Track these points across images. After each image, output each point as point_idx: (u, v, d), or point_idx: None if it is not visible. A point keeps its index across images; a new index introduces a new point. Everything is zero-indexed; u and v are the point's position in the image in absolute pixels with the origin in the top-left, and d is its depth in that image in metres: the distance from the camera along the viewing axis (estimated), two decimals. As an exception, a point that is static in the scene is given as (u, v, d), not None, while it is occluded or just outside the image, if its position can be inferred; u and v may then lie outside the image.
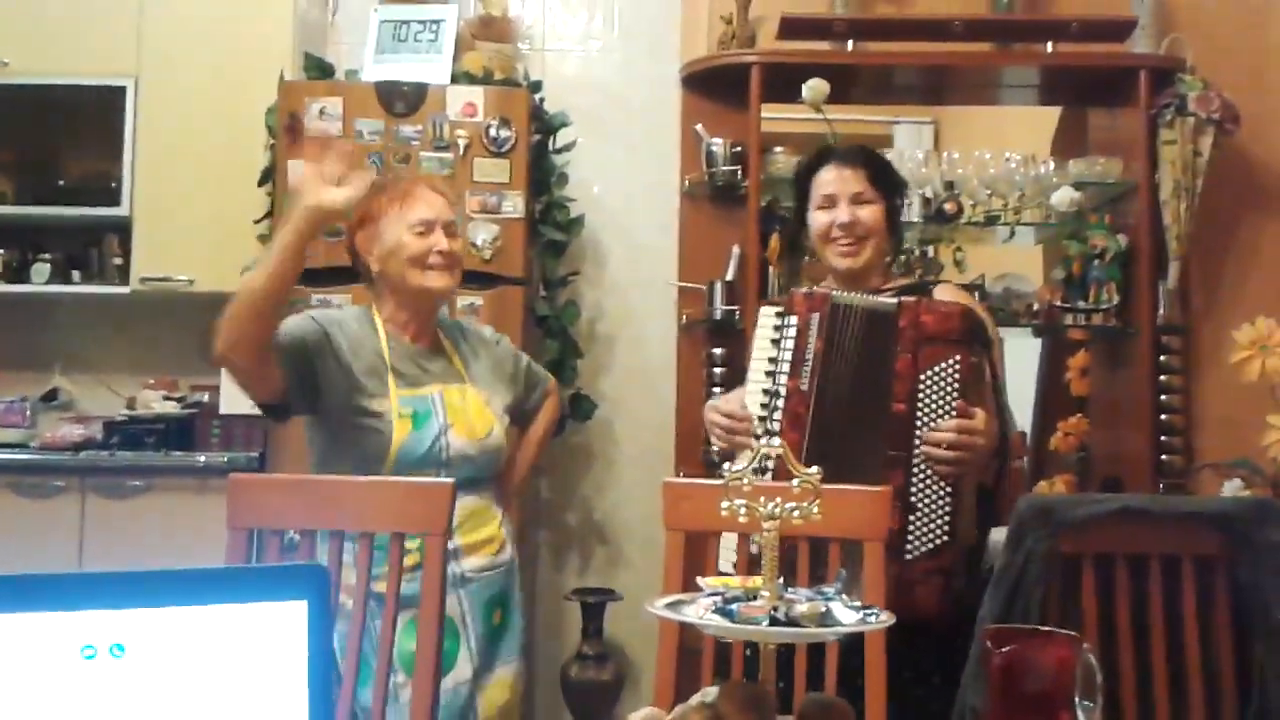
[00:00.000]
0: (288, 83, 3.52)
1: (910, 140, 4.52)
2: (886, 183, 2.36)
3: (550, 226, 3.70)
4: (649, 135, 3.98)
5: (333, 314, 2.25)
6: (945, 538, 2.07)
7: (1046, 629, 1.18)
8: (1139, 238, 3.34)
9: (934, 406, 2.09)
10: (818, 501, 1.15)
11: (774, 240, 3.45)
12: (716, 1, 3.65)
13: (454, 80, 3.54)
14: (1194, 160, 3.27)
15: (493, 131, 3.44)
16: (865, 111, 4.23)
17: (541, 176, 3.69)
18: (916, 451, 2.08)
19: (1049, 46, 3.46)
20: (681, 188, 3.69)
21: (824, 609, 1.11)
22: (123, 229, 3.81)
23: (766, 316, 2.24)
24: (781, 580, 1.15)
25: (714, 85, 3.61)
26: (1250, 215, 3.53)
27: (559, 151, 3.79)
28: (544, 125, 3.72)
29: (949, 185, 3.41)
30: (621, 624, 3.80)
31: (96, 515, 3.55)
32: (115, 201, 3.76)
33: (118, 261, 3.87)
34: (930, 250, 3.62)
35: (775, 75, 3.41)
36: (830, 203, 2.33)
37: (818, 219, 2.34)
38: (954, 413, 2.06)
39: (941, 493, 2.08)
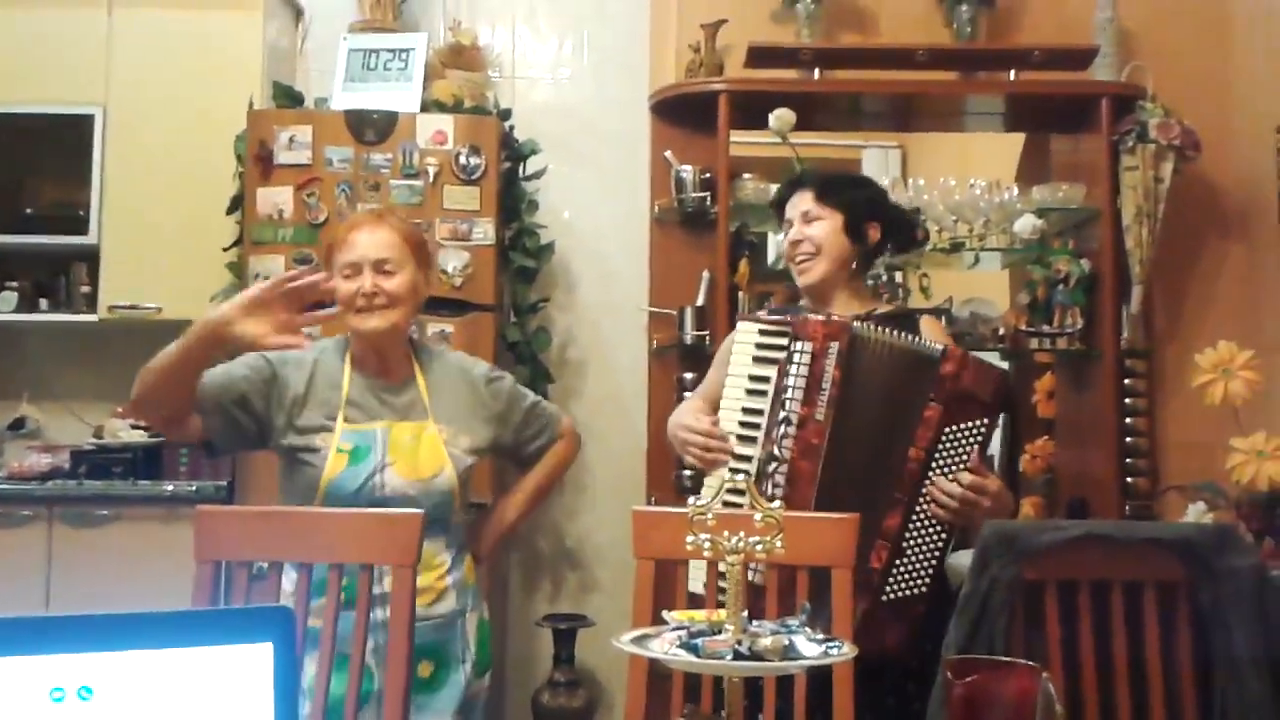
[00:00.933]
0: (257, 111, 3.52)
1: (878, 165, 4.56)
2: (838, 193, 2.37)
3: (521, 253, 3.71)
4: (619, 162, 4.01)
5: (295, 352, 2.22)
6: (923, 588, 2.09)
7: (1007, 659, 1.19)
8: (1102, 263, 3.39)
9: (949, 461, 2.10)
10: (780, 535, 1.16)
11: (743, 265, 3.48)
12: (684, 30, 3.69)
13: (424, 108, 3.55)
14: (1155, 186, 3.33)
15: (463, 159, 3.45)
16: (833, 137, 4.28)
17: (512, 203, 3.71)
18: (922, 498, 2.09)
19: (1011, 75, 3.51)
20: (651, 214, 3.72)
21: (787, 642, 1.12)
22: (90, 257, 3.79)
23: (748, 334, 2.20)
24: (746, 613, 1.17)
25: (683, 113, 3.65)
26: (1212, 240, 3.59)
27: (529, 178, 3.81)
28: (514, 152, 3.74)
29: (915, 211, 3.45)
30: (593, 650, 3.79)
31: (64, 545, 3.51)
32: (83, 230, 3.74)
33: (85, 290, 3.85)
34: (898, 275, 3.66)
35: (743, 103, 3.45)
36: (789, 225, 2.40)
37: (782, 241, 2.42)
38: (967, 469, 2.08)
39: (934, 545, 2.10)
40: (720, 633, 1.14)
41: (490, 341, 3.47)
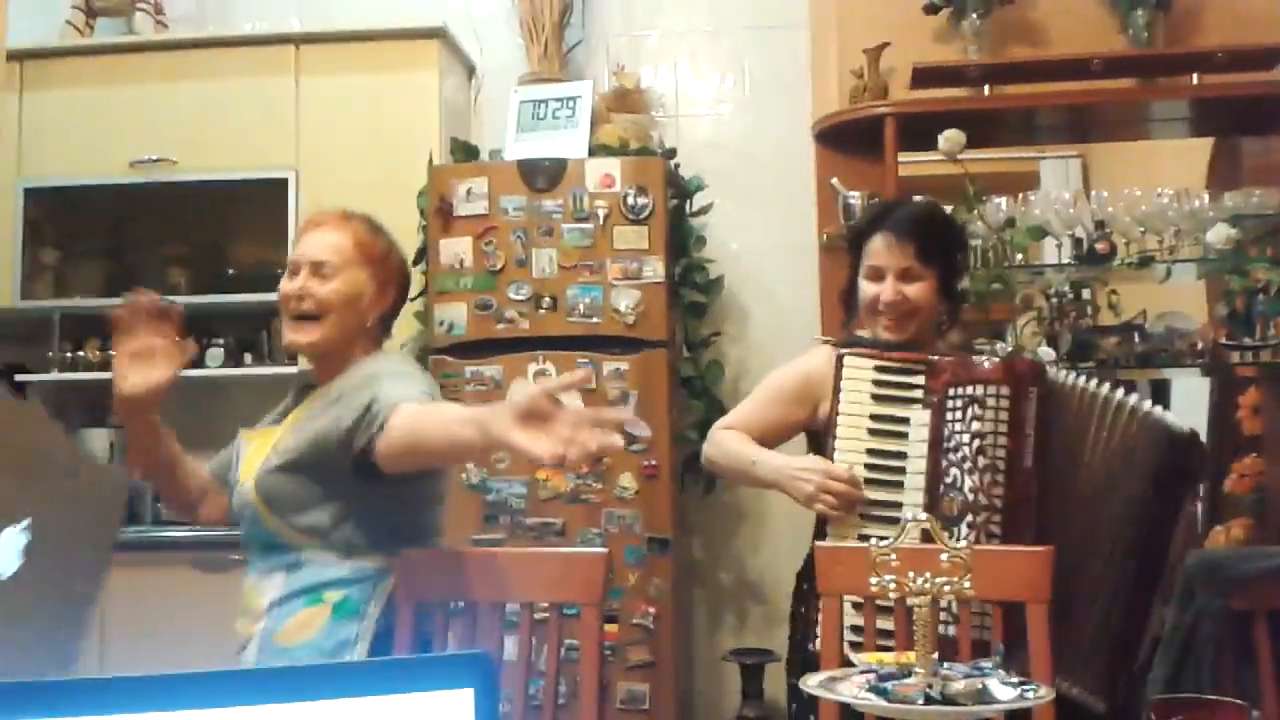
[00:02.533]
0: (436, 167, 3.68)
1: (1057, 176, 4.42)
2: (939, 253, 2.23)
3: (690, 288, 3.74)
4: (784, 192, 4.00)
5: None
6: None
7: (1213, 698, 1.14)
8: (1304, 269, 3.20)
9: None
10: (969, 575, 1.14)
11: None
12: (846, 56, 3.67)
13: (591, 153, 3.64)
14: (1359, 185, 3.13)
15: (630, 200, 3.52)
16: (1007, 151, 4.18)
17: (680, 240, 3.75)
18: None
19: (1194, 78, 3.36)
20: (820, 241, 3.70)
21: (980, 686, 1.10)
22: (289, 312, 4.00)
23: (860, 370, 2.11)
24: (936, 655, 1.15)
25: (847, 138, 3.63)
26: None
27: (696, 214, 3.85)
28: (680, 190, 3.78)
29: (1099, 225, 3.33)
30: (782, 684, 3.75)
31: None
32: (281, 287, 3.96)
33: (286, 343, 4.06)
34: (1085, 293, 3.53)
35: (910, 125, 3.42)
36: (878, 275, 2.22)
37: (866, 289, 2.24)
38: None
39: None
40: (910, 676, 1.13)
41: (664, 378, 3.51)
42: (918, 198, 3.43)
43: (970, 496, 2.01)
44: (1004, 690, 1.10)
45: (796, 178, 3.91)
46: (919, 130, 3.36)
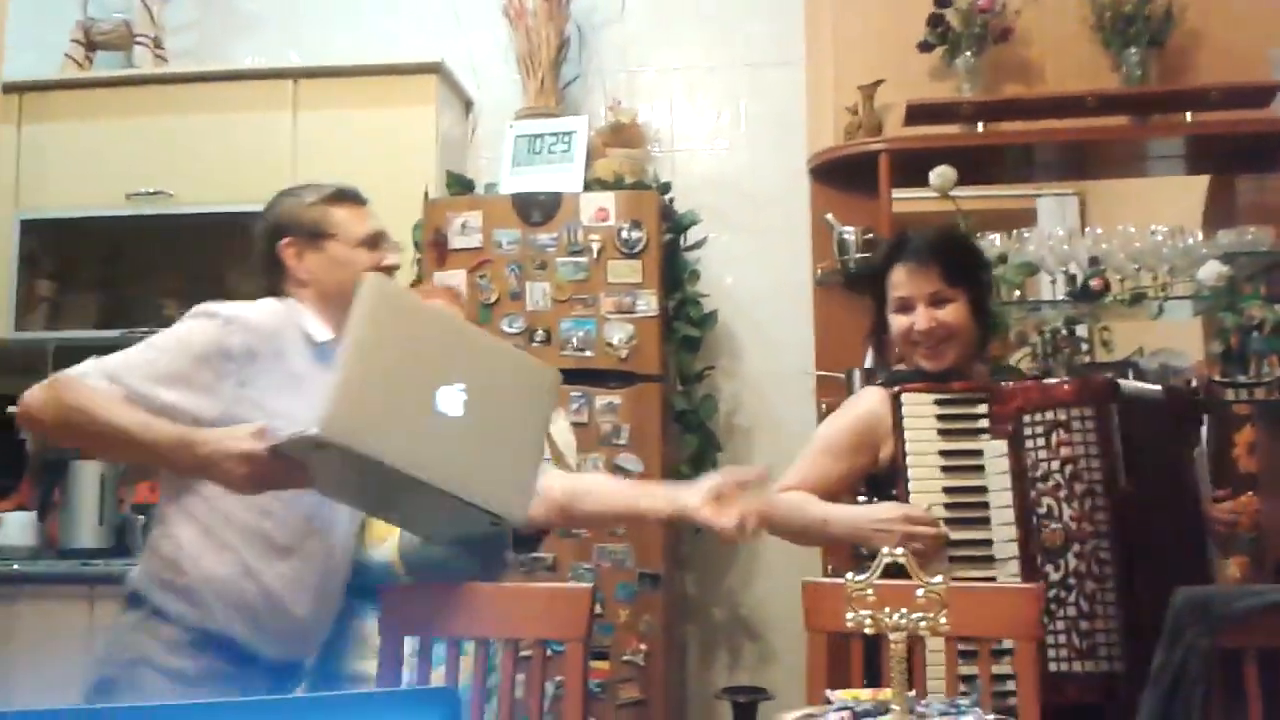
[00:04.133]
0: (432, 200, 3.68)
1: (1054, 213, 4.43)
2: (965, 273, 2.16)
3: (684, 322, 3.74)
4: (779, 227, 4.01)
5: None
6: None
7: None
8: (1298, 307, 3.20)
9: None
10: (945, 611, 1.13)
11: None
12: (841, 93, 3.69)
13: (587, 187, 3.65)
14: (1351, 223, 3.13)
15: (625, 234, 3.52)
16: (1004, 188, 4.19)
17: (674, 274, 3.75)
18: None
19: (1188, 116, 3.37)
20: (814, 277, 3.71)
21: (956, 723, 1.08)
22: (288, 344, 4.00)
23: (920, 405, 2.03)
24: (914, 692, 1.14)
25: (842, 174, 3.65)
26: None
27: (690, 249, 3.85)
28: (674, 224, 3.79)
29: (1093, 261, 3.33)
30: (775, 722, 3.72)
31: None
32: (278, 319, 3.95)
33: (283, 374, 4.05)
34: (1079, 329, 3.53)
35: (904, 161, 3.43)
36: (907, 306, 2.15)
37: (897, 322, 2.17)
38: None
39: None
40: (886, 713, 1.11)
41: (657, 411, 3.50)
42: (912, 233, 3.46)
43: (1074, 525, 1.94)
44: (980, 728, 1.09)
45: (791, 213, 3.92)
46: (913, 167, 3.37)
